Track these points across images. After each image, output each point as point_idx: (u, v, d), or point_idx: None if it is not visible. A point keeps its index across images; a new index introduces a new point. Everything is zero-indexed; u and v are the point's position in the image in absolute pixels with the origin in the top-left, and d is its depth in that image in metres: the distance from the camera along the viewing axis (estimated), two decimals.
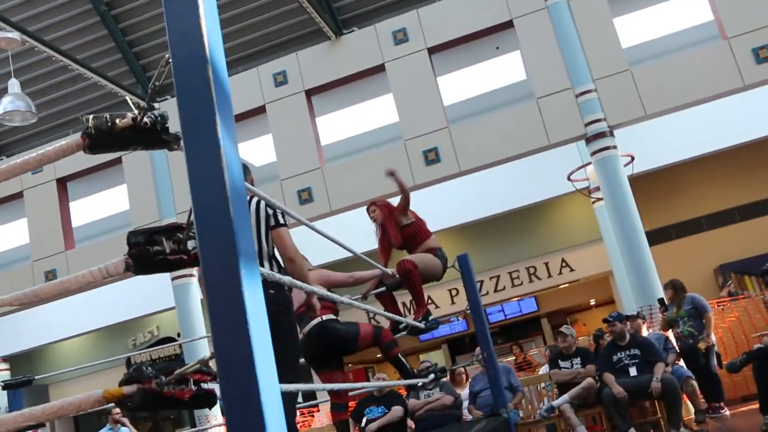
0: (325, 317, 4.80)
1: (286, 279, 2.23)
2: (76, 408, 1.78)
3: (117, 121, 1.85)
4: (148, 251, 1.70)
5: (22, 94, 9.86)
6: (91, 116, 1.88)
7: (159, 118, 1.85)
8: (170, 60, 1.56)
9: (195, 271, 12.33)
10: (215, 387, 1.87)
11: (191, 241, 1.72)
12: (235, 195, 1.37)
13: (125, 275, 1.79)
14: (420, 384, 5.66)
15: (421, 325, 4.89)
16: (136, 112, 1.83)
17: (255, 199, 3.63)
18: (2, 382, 5.03)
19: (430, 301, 15.53)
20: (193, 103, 1.41)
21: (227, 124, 1.41)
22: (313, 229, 2.94)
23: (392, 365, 5.23)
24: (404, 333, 5.14)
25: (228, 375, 1.31)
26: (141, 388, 1.77)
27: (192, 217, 1.43)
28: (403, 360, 5.06)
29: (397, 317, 4.70)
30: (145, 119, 1.83)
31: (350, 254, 4.08)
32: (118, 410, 10.15)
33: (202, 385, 1.85)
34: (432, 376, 6.47)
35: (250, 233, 1.41)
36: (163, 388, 1.78)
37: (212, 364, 1.80)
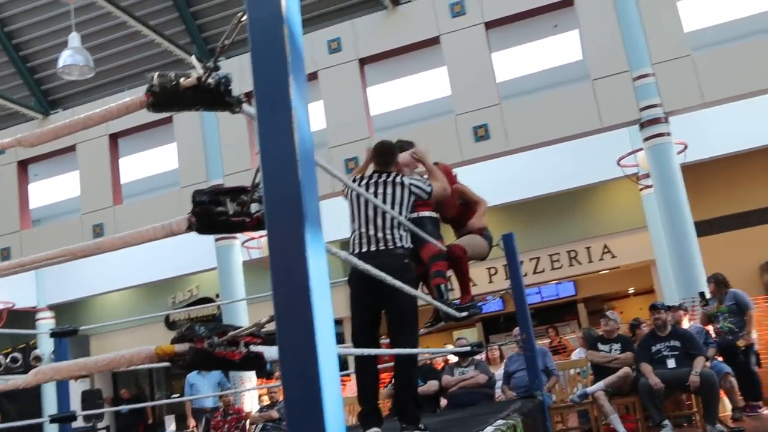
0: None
1: (342, 254, 2.20)
2: (128, 362, 1.80)
3: (181, 80, 1.83)
4: (212, 211, 1.69)
5: (81, 48, 9.99)
6: (156, 74, 1.87)
7: (223, 80, 1.83)
8: (243, 18, 1.53)
9: (240, 234, 12.45)
10: (264, 350, 1.87)
11: (255, 204, 1.71)
12: (304, 158, 1.35)
13: (186, 233, 1.79)
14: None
15: (458, 315, 4.78)
16: (201, 72, 1.81)
17: (394, 175, 4.32)
18: (50, 329, 5.15)
19: None
20: (267, 62, 1.38)
21: (300, 85, 1.39)
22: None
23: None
24: (443, 323, 5.07)
25: (287, 340, 1.29)
26: (193, 347, 1.78)
27: (257, 180, 1.41)
28: (444, 292, 4.86)
29: (440, 305, 4.62)
30: (210, 80, 1.81)
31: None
32: None
33: (252, 347, 1.85)
34: (469, 349, 6.48)
35: (317, 197, 1.38)
36: (215, 349, 1.78)
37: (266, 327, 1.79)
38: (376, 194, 4.23)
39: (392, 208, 4.21)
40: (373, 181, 4.31)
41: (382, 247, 4.07)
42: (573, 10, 11.51)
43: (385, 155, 4.44)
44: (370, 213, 4.18)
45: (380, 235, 4.11)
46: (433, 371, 7.95)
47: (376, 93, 12.79)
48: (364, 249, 4.09)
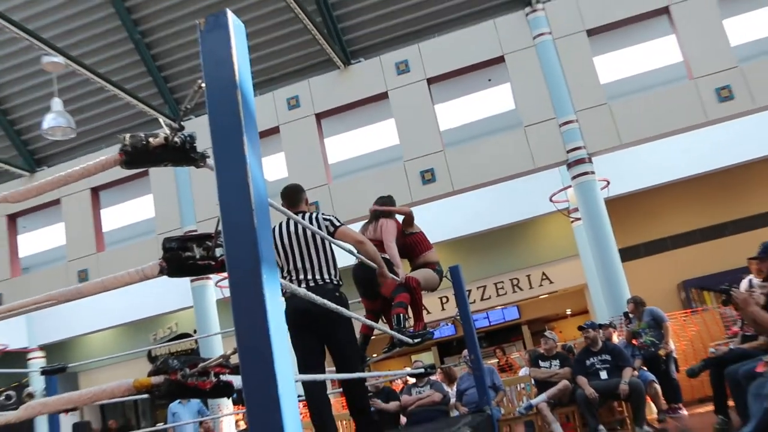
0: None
1: (301, 291, 2.23)
2: (109, 395, 1.78)
3: (151, 139, 1.85)
4: (180, 256, 1.70)
5: (63, 112, 9.90)
6: (128, 135, 1.88)
7: (188, 138, 1.85)
8: (203, 85, 1.56)
9: (213, 275, 12.30)
10: (233, 379, 1.87)
11: (219, 248, 1.73)
12: (259, 207, 1.38)
13: (159, 277, 1.80)
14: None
15: (410, 341, 4.80)
16: (168, 132, 1.83)
17: (308, 215, 4.09)
18: (41, 368, 5.04)
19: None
20: (223, 124, 1.42)
21: (253, 143, 1.43)
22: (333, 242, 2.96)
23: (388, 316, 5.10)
24: (398, 349, 5.09)
25: (249, 369, 1.31)
26: (168, 378, 1.77)
27: (220, 227, 1.43)
28: (402, 320, 4.88)
29: (393, 333, 4.64)
30: (176, 139, 1.83)
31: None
32: None
33: (221, 377, 1.85)
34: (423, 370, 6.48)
35: (271, 241, 1.41)
36: (187, 380, 1.78)
37: (232, 358, 1.80)
38: (299, 235, 4.04)
39: (320, 245, 4.04)
40: (292, 223, 4.08)
41: (312, 285, 3.93)
42: (504, 66, 11.79)
43: (293, 195, 4.23)
44: (297, 254, 4.02)
45: (310, 276, 3.98)
46: (393, 392, 7.92)
47: (333, 144, 12.87)
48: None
